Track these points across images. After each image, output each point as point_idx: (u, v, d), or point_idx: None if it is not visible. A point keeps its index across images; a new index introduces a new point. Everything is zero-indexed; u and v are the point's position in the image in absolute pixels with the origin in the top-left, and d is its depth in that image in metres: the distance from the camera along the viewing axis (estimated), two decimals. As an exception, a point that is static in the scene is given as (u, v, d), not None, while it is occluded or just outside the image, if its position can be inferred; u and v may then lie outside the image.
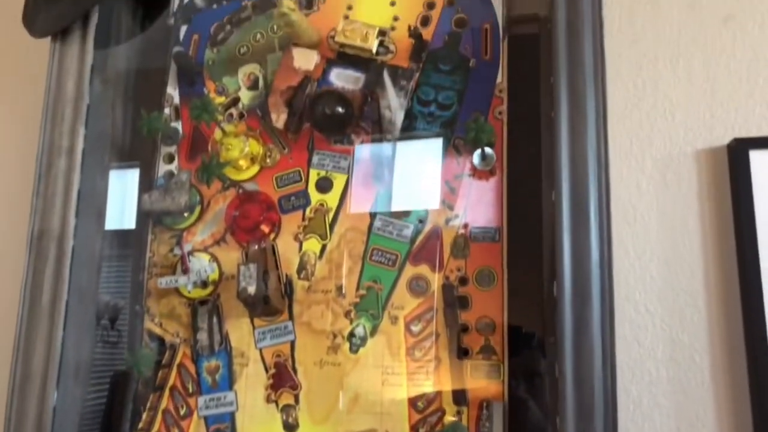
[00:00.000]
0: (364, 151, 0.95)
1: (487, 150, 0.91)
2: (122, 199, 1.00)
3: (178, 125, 1.01)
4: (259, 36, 1.02)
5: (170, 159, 1.00)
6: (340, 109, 0.91)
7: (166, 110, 1.01)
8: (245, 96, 1.00)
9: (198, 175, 0.96)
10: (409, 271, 0.90)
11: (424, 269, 0.90)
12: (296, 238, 0.94)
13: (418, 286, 0.90)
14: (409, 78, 0.94)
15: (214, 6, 1.04)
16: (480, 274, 0.88)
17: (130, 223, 0.99)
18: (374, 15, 0.99)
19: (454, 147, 0.93)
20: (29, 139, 0.93)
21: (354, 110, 0.94)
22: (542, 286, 0.83)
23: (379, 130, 0.93)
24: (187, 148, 1.00)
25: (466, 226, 0.90)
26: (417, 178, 0.93)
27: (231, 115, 1.00)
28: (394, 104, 0.93)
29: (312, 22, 0.99)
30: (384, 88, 0.94)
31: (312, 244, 0.94)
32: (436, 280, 0.89)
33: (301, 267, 0.93)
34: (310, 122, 0.94)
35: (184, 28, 1.04)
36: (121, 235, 1.00)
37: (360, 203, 0.94)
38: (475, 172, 0.92)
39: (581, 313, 0.76)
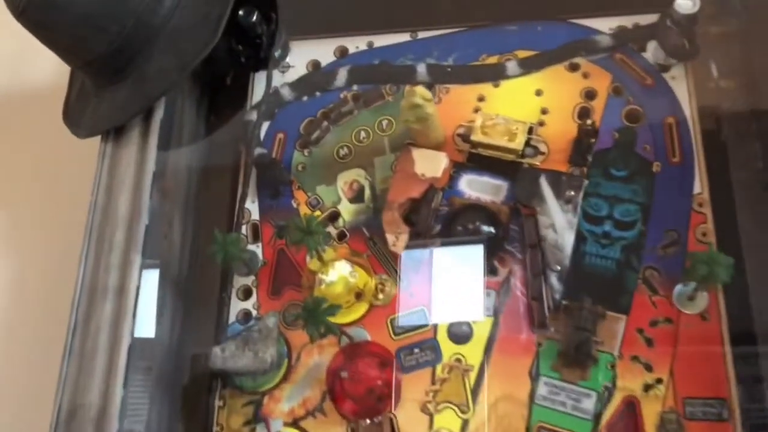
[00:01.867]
0: (515, 284, 0.69)
1: (694, 286, 0.65)
2: (177, 350, 0.73)
3: (258, 249, 0.76)
4: (363, 135, 0.79)
5: (247, 295, 0.74)
6: (487, 229, 0.67)
7: (243, 229, 0.77)
8: (346, 210, 0.76)
9: (293, 320, 0.70)
10: (596, 462, 0.62)
11: (618, 460, 0.62)
12: (424, 408, 0.67)
13: (609, 487, 0.62)
14: (577, 187, 0.70)
15: (305, 98, 0.82)
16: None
17: (188, 383, 0.73)
18: (515, 108, 0.76)
19: (644, 281, 0.67)
20: (63, 274, 0.68)
21: (501, 230, 0.69)
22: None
23: (538, 257, 0.67)
24: (269, 281, 0.75)
25: (676, 396, 0.63)
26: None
27: (329, 234, 0.75)
28: (560, 222, 0.69)
29: (435, 119, 0.77)
30: (543, 200, 0.70)
31: (447, 419, 0.66)
32: (639, 480, 0.61)
33: (434, 453, 0.65)
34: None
35: (266, 126, 0.82)
36: (176, 399, 0.72)
37: (514, 357, 0.67)
38: (680, 317, 0.66)
39: None
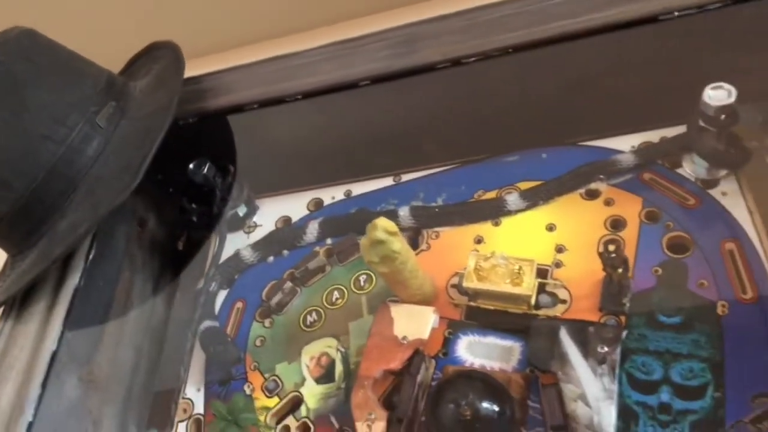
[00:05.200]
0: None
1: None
2: None
3: (195, 452, 0.58)
4: (336, 295, 0.63)
5: None
6: (488, 408, 0.47)
7: (183, 427, 0.59)
8: (311, 393, 0.58)
9: None
10: None
11: None
12: None
13: None
14: (612, 340, 0.50)
15: (270, 259, 0.68)
16: None
17: None
18: (522, 248, 0.60)
19: (733, 475, 0.45)
20: None
21: (513, 409, 0.49)
22: None
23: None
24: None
25: None
26: None
27: (287, 429, 0.57)
28: (593, 391, 0.48)
29: (420, 267, 0.61)
30: (565, 361, 0.50)
31: None
32: None
33: None
34: (431, 435, 0.49)
35: (222, 294, 0.67)
36: None
37: None
38: None
39: None
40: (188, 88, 0.66)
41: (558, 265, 0.58)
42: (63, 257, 0.56)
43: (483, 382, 0.48)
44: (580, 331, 0.51)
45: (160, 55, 0.68)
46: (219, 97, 0.66)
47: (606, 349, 0.50)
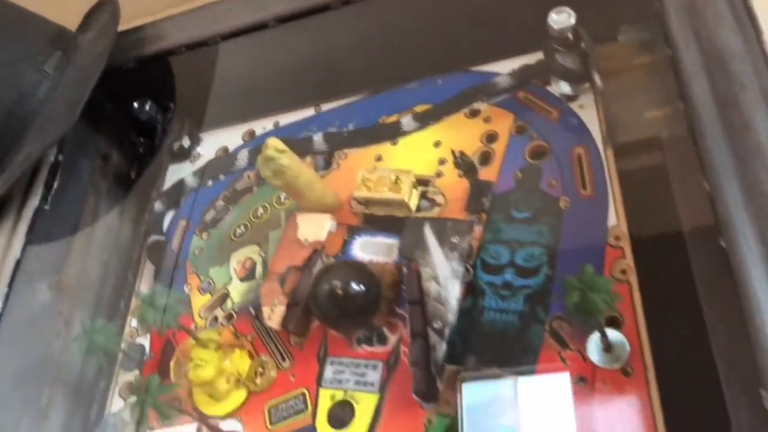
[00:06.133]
0: (404, 351, 0.58)
1: (612, 334, 0.52)
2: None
3: (146, 341, 0.70)
4: (261, 211, 0.74)
5: (132, 391, 0.68)
6: (356, 287, 0.57)
7: (133, 323, 0.72)
8: (236, 290, 0.69)
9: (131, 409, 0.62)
10: None
11: None
12: None
13: None
14: (464, 232, 0.61)
15: (210, 183, 0.79)
16: None
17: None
18: (414, 163, 0.69)
19: (552, 334, 0.55)
20: None
21: (382, 289, 0.60)
22: None
23: (419, 314, 0.57)
24: (153, 374, 0.68)
25: (592, 475, 0.48)
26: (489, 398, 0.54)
27: (216, 319, 0.69)
28: (443, 272, 0.59)
29: (331, 183, 0.71)
30: (426, 250, 0.60)
31: None
32: None
33: None
34: (315, 313, 0.60)
35: (170, 215, 0.79)
36: None
37: (400, 443, 0.55)
38: (595, 374, 0.52)
39: None
40: (128, 38, 0.76)
41: (439, 174, 0.67)
42: (20, 179, 0.68)
43: (353, 268, 0.59)
44: (441, 226, 0.61)
45: (104, 10, 0.78)
46: (153, 44, 0.76)
47: (458, 239, 0.60)
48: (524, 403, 0.51)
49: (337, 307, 0.58)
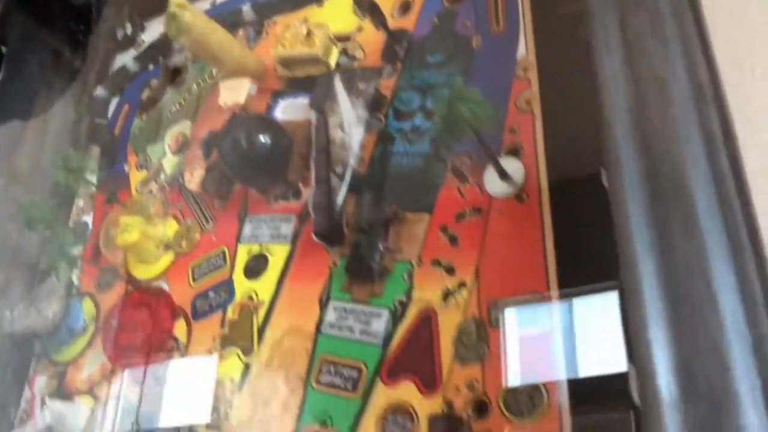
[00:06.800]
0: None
1: (510, 162, 0.50)
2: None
3: (89, 219, 0.72)
4: (195, 88, 0.74)
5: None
6: (260, 139, 0.57)
7: (81, 202, 0.74)
8: (169, 163, 0.70)
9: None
10: (382, 396, 0.48)
11: (407, 391, 0.47)
12: (210, 355, 0.56)
13: (397, 426, 0.46)
14: (369, 78, 0.59)
15: (151, 67, 0.79)
16: (512, 394, 0.43)
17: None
18: (338, 21, 0.67)
19: (454, 171, 0.53)
20: None
21: (293, 143, 0.59)
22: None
23: (323, 161, 0.56)
24: (93, 248, 0.70)
25: (480, 301, 0.47)
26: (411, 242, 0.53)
27: (151, 191, 0.70)
28: (348, 119, 0.57)
29: (262, 52, 0.70)
30: (335, 100, 0.59)
31: (230, 365, 0.55)
32: (426, 410, 0.45)
33: (213, 407, 0.54)
34: (224, 168, 0.60)
35: (115, 101, 0.79)
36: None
37: (306, 284, 0.55)
38: (491, 204, 0.50)
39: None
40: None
41: (359, 29, 0.65)
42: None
43: (259, 120, 0.58)
44: (349, 75, 0.60)
45: None
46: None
47: (364, 85, 0.58)
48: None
49: (242, 159, 0.57)
